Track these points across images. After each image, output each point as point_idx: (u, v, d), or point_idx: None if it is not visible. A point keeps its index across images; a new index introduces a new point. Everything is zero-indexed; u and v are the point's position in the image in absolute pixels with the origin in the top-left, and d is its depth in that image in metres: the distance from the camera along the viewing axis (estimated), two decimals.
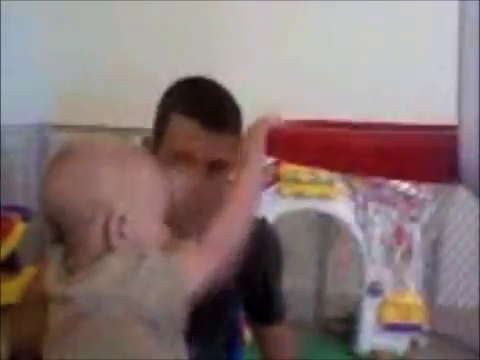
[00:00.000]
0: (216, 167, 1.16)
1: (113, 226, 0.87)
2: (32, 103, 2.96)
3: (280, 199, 2.48)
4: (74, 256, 0.90)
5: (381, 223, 2.46)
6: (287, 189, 2.45)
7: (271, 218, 2.49)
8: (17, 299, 1.41)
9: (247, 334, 2.40)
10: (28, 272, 2.73)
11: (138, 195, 0.90)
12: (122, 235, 0.87)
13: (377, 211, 2.44)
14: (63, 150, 0.91)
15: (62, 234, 0.91)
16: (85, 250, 0.89)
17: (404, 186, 2.43)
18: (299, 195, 2.46)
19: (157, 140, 1.24)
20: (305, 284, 2.92)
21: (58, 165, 0.89)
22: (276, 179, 2.45)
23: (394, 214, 2.46)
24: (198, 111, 1.18)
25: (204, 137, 1.16)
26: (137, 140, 1.35)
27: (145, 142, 1.30)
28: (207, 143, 1.16)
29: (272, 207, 2.48)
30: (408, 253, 2.50)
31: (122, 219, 0.87)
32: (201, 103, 1.20)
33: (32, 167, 3.03)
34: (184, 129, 1.18)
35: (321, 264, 2.93)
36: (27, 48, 3.01)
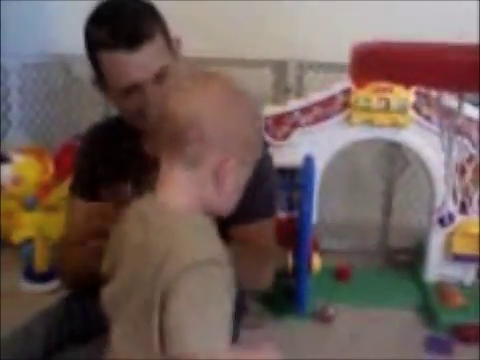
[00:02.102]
0: (160, 75, 1.25)
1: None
2: None
3: (349, 127, 2.43)
4: None
5: (455, 154, 2.39)
6: (357, 117, 2.40)
7: (339, 146, 2.47)
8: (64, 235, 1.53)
9: (315, 261, 2.44)
10: None
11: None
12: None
13: (449, 140, 2.37)
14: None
15: None
16: None
17: (477, 114, 2.36)
18: (369, 123, 2.41)
19: (100, 80, 1.31)
20: (371, 214, 2.91)
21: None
22: (346, 106, 2.41)
23: (467, 143, 2.39)
24: (118, 41, 1.21)
25: (138, 60, 1.22)
26: None
27: (94, 81, 1.35)
28: (143, 63, 1.22)
29: (341, 135, 2.45)
30: None
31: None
32: (117, 30, 1.22)
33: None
34: (117, 65, 1.23)
35: (388, 194, 2.90)
36: None
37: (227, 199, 0.97)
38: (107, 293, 1.01)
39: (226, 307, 0.87)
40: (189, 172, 0.93)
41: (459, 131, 2.32)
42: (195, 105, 0.91)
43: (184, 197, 0.94)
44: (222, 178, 0.93)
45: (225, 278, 0.88)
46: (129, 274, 0.94)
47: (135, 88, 1.25)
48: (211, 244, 0.90)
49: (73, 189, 1.48)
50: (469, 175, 2.44)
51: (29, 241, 2.52)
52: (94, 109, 3.04)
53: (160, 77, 1.26)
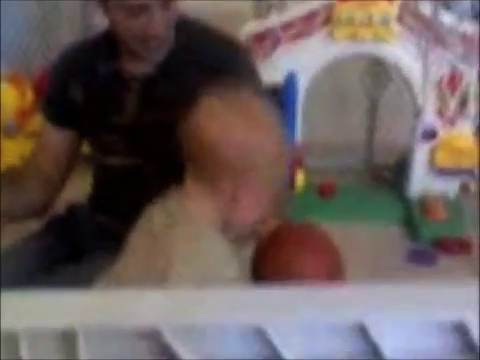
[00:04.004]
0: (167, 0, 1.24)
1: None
2: None
3: (332, 43, 2.39)
4: None
5: (436, 66, 2.36)
6: (339, 32, 2.35)
7: (322, 63, 2.44)
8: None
9: (299, 177, 2.45)
10: None
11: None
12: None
13: (432, 53, 2.34)
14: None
15: None
16: None
17: (461, 25, 2.31)
18: (352, 38, 2.36)
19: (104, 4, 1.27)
20: (356, 131, 2.90)
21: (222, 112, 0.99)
22: (328, 21, 2.36)
23: (450, 56, 2.36)
24: None
25: None
26: None
27: None
28: None
29: (324, 51, 2.41)
30: (464, 96, 2.43)
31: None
32: None
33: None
34: None
35: (373, 110, 2.89)
36: None
37: (246, 214, 1.01)
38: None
39: None
40: (210, 187, 0.99)
41: (439, 41, 2.28)
42: (220, 129, 0.97)
43: (203, 208, 0.99)
44: (238, 199, 0.99)
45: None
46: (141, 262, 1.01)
47: (142, 9, 1.22)
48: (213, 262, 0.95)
49: (43, 110, 1.48)
50: (454, 89, 2.42)
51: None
52: (73, 34, 2.97)
53: (167, 2, 1.24)
